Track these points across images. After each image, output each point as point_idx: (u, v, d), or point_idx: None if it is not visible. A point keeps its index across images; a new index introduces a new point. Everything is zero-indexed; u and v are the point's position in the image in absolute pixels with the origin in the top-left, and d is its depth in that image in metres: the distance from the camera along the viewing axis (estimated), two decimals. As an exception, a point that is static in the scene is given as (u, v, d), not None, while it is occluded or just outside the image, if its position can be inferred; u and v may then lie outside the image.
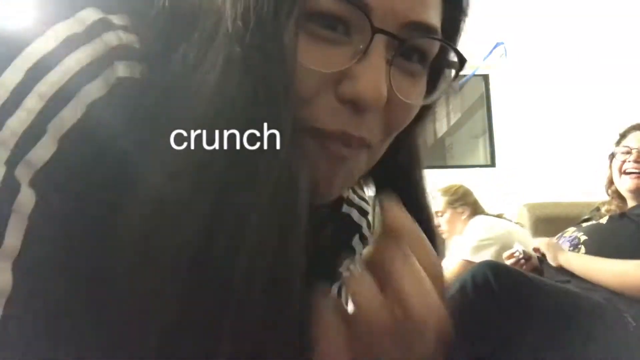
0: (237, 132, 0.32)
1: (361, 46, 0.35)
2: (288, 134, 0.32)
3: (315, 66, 0.34)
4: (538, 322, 1.10)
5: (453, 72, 0.43)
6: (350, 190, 0.56)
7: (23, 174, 0.30)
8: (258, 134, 0.32)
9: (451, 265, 2.28)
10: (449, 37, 0.41)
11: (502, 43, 4.15)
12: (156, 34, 0.35)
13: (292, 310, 0.33)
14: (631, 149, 1.56)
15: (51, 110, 0.31)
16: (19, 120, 0.30)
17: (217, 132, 0.32)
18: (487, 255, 2.20)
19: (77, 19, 0.33)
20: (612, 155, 1.64)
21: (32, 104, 0.30)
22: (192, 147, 0.31)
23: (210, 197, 0.32)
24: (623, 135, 1.65)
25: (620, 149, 1.60)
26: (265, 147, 0.32)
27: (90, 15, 0.33)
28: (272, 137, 0.32)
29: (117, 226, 0.31)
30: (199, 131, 0.32)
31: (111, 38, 0.33)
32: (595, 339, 1.12)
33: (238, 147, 0.32)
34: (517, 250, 1.63)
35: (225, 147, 0.32)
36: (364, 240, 0.57)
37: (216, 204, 0.32)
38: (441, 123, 5.27)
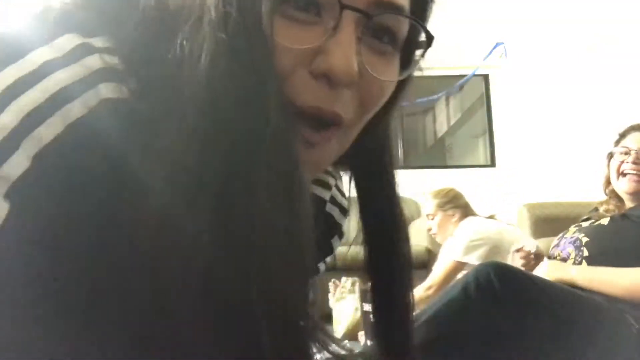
0: (229, 117, 0.34)
1: (331, 23, 0.37)
2: (278, 110, 0.34)
3: (290, 44, 0.36)
4: (540, 323, 1.11)
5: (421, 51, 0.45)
6: (335, 188, 0.58)
7: None
8: (250, 113, 0.34)
9: (442, 266, 2.29)
10: (418, 13, 0.43)
11: (502, 43, 4.15)
12: (139, 46, 0.36)
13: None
14: (630, 150, 1.55)
15: (26, 127, 0.31)
16: None
17: (210, 121, 0.33)
18: (477, 255, 2.21)
19: (55, 45, 0.34)
20: (611, 155, 1.63)
21: (7, 120, 0.31)
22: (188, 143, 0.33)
23: (213, 182, 0.33)
24: (622, 136, 1.64)
25: (619, 149, 1.59)
26: (257, 124, 0.34)
27: (70, 40, 0.34)
28: (262, 116, 0.34)
29: (107, 240, 0.32)
30: (195, 126, 0.33)
31: (94, 61, 0.34)
32: (597, 340, 1.12)
33: (232, 130, 0.34)
34: (526, 245, 1.62)
35: (220, 134, 0.34)
36: (341, 238, 0.59)
37: (221, 186, 0.33)
38: (441, 123, 5.28)
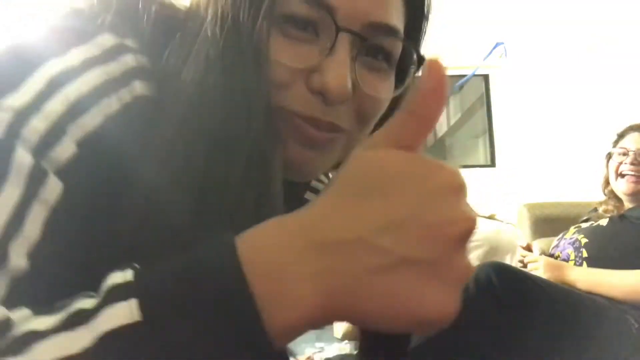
0: (217, 121, 0.37)
1: (328, 44, 0.39)
2: (261, 118, 0.37)
3: (289, 62, 0.39)
4: (541, 323, 1.11)
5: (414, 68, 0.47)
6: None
7: (48, 167, 0.33)
8: (236, 121, 0.37)
9: None
10: (412, 38, 0.45)
11: (502, 43, 4.15)
12: (156, 53, 0.39)
13: None
14: (628, 151, 1.55)
15: (71, 115, 0.34)
16: (41, 120, 0.33)
17: (200, 122, 0.37)
18: (475, 256, 2.21)
19: (94, 43, 0.37)
20: (609, 156, 1.63)
21: (54, 107, 0.33)
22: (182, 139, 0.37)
23: (195, 174, 0.36)
24: (621, 136, 1.64)
25: (617, 149, 1.59)
26: (241, 131, 0.37)
27: (107, 40, 0.37)
28: (247, 121, 0.37)
29: (122, 214, 0.35)
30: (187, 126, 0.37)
31: (129, 60, 0.38)
32: (597, 340, 1.12)
33: (218, 133, 0.37)
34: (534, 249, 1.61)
35: (208, 135, 0.37)
36: None
37: (201, 180, 0.36)
38: (441, 123, 5.27)
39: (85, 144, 0.34)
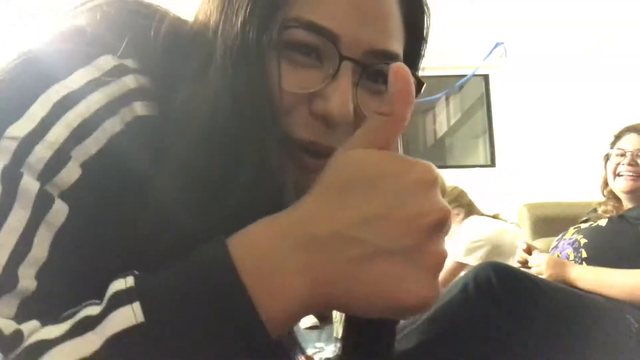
0: (229, 150, 0.38)
1: (331, 70, 0.41)
2: (274, 149, 0.39)
3: (292, 88, 0.41)
4: (540, 323, 1.11)
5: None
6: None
7: (54, 192, 0.34)
8: (247, 150, 0.38)
9: (444, 266, 2.29)
10: (410, 61, 0.47)
11: (502, 43, 4.15)
12: (161, 73, 0.40)
13: None
14: (625, 152, 1.56)
15: (75, 140, 0.35)
16: (45, 147, 0.34)
17: (212, 151, 0.38)
18: (478, 256, 2.21)
19: (95, 65, 0.38)
20: (607, 157, 1.64)
21: (58, 133, 0.35)
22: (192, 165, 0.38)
23: (206, 191, 0.37)
24: (618, 137, 1.64)
25: (615, 151, 1.60)
26: (254, 161, 0.38)
27: (107, 61, 0.39)
28: (260, 153, 0.38)
29: (134, 233, 0.36)
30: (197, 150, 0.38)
31: (129, 81, 0.39)
32: (597, 340, 1.12)
33: (230, 164, 0.38)
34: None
35: (220, 165, 0.38)
36: None
37: (211, 194, 0.37)
38: (441, 123, 5.28)
39: (90, 166, 0.35)
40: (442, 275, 2.28)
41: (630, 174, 1.52)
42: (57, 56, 0.38)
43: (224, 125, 0.38)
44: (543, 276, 1.39)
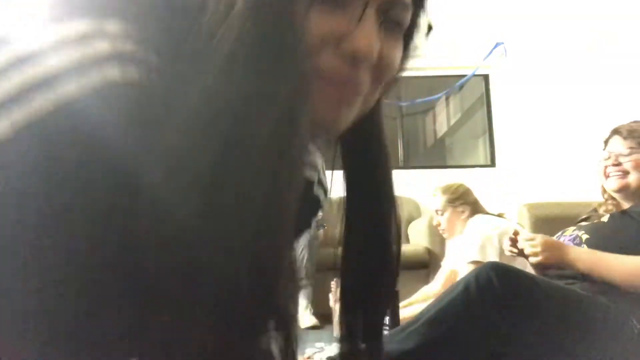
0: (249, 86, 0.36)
1: (357, 13, 0.44)
2: (297, 82, 0.39)
3: (320, 29, 0.43)
4: (542, 324, 1.11)
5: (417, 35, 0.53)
6: (320, 171, 0.64)
7: None
8: (267, 88, 0.37)
9: (461, 269, 2.25)
10: (416, 9, 0.51)
11: (502, 43, 4.15)
12: (160, 32, 0.36)
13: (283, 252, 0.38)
14: (610, 154, 1.61)
15: (18, 98, 0.31)
16: None
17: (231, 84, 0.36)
18: (492, 252, 2.18)
19: (68, 26, 0.34)
20: (599, 161, 1.68)
21: (6, 88, 0.31)
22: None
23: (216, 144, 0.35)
24: (606, 142, 1.69)
25: (604, 154, 1.64)
26: (272, 94, 0.37)
27: (82, 24, 0.34)
28: (282, 87, 0.38)
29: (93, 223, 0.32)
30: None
31: (103, 46, 0.34)
32: (599, 340, 1.12)
33: (248, 100, 0.36)
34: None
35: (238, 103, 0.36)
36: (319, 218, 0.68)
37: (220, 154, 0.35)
38: (441, 123, 5.27)
39: (26, 129, 0.32)
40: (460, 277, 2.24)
41: (617, 173, 1.56)
42: (30, 14, 0.35)
43: (245, 65, 0.36)
44: (538, 258, 1.38)
